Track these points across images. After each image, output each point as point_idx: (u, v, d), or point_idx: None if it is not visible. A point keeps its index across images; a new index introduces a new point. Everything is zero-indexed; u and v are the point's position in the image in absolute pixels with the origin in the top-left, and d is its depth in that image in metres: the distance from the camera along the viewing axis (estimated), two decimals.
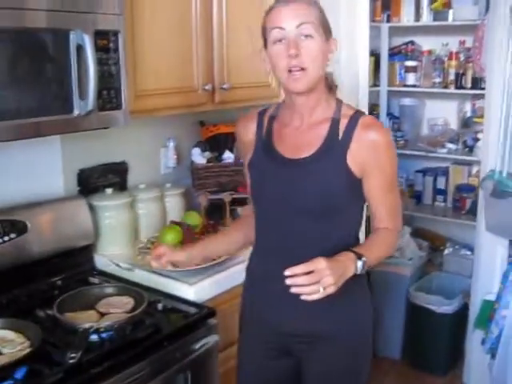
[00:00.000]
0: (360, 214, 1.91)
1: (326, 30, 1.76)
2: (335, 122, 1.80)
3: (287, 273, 1.55)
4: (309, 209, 1.78)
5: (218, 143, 3.10)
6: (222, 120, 3.19)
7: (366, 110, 3.14)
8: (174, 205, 2.86)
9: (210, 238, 2.25)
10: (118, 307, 2.05)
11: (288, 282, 1.55)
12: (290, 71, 1.71)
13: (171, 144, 2.98)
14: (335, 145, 1.77)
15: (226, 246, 2.16)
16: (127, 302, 2.08)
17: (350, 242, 1.82)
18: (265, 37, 1.78)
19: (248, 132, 1.95)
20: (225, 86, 2.72)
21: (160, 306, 2.13)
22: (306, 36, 1.69)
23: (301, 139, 1.82)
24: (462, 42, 4.21)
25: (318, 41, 1.71)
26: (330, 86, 1.88)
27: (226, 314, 2.26)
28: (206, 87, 2.64)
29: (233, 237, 2.13)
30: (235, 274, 2.33)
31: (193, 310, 2.15)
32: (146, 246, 2.55)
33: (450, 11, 4.14)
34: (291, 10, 1.70)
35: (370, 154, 1.76)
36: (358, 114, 1.82)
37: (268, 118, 1.93)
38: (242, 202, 2.91)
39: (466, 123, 4.39)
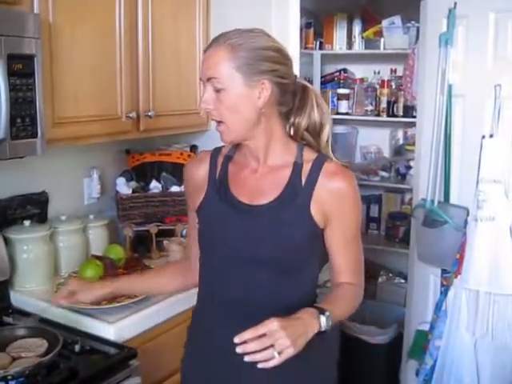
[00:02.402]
0: (319, 268, 1.77)
1: (251, 74, 1.55)
2: (297, 167, 1.65)
3: (236, 340, 1.40)
4: (267, 261, 1.62)
5: (144, 172, 3.00)
6: (150, 148, 3.10)
7: None
8: (97, 237, 2.73)
9: (133, 278, 2.07)
10: (31, 350, 1.90)
11: (238, 350, 1.40)
12: (218, 122, 1.61)
13: (95, 173, 2.86)
14: (298, 192, 1.63)
15: (147, 289, 2.07)
16: (41, 344, 1.93)
17: (309, 297, 1.70)
18: None
19: (199, 173, 1.77)
20: (150, 114, 2.63)
21: (77, 348, 1.99)
22: (218, 90, 1.55)
23: (260, 183, 1.68)
24: (394, 71, 4.24)
25: (233, 91, 1.55)
26: (291, 131, 1.73)
27: (148, 353, 2.15)
28: (131, 115, 2.55)
29: (160, 282, 1.98)
30: (158, 312, 2.23)
31: (113, 350, 2.01)
32: (65, 282, 2.40)
33: (382, 40, 4.17)
34: (207, 59, 1.58)
35: (333, 203, 1.62)
36: (321, 158, 1.67)
37: (223, 158, 1.76)
38: (169, 234, 2.81)
39: (398, 151, 4.41)
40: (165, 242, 2.76)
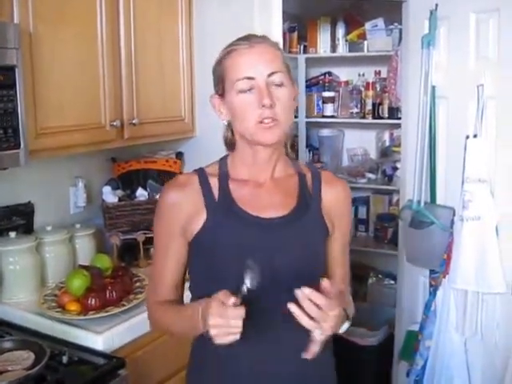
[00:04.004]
0: None
1: (291, 75, 1.58)
2: (302, 177, 1.68)
3: (299, 292, 1.38)
4: (293, 275, 1.53)
5: (130, 180, 2.99)
6: (136, 156, 3.08)
7: None
8: (84, 246, 2.72)
9: None
10: (18, 363, 1.88)
11: (291, 307, 1.38)
12: (260, 122, 1.50)
13: (81, 182, 2.85)
14: (309, 200, 1.64)
15: None
16: (27, 356, 1.92)
17: None
18: (222, 84, 1.56)
19: (188, 198, 1.60)
20: (134, 122, 2.62)
21: (65, 359, 1.98)
22: (278, 85, 1.51)
23: (271, 197, 1.61)
24: (378, 73, 4.25)
25: (289, 88, 1.54)
26: None
27: (137, 363, 2.13)
28: (115, 123, 2.53)
29: None
30: (147, 320, 2.20)
31: (101, 360, 2.00)
32: (52, 293, 2.39)
33: (365, 42, 4.18)
34: (259, 56, 1.51)
35: (336, 209, 1.68)
36: (313, 167, 1.75)
37: (219, 177, 1.63)
38: None
39: (384, 152, 4.43)
40: (152, 249, 2.74)
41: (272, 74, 1.50)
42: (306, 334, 1.43)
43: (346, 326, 1.51)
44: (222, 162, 1.68)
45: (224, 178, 1.64)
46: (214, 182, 1.63)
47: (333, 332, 1.44)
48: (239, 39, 1.56)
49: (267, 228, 1.58)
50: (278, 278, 1.53)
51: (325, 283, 1.42)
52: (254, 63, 1.50)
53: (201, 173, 1.65)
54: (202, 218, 1.58)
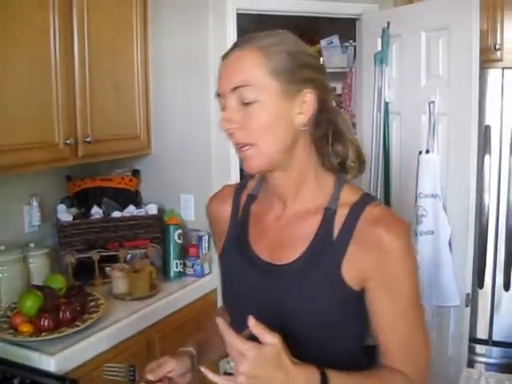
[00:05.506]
0: (363, 327, 1.32)
1: (290, 82, 1.22)
2: (329, 214, 1.28)
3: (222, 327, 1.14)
4: (295, 333, 1.22)
5: (86, 198, 2.96)
6: (91, 173, 3.06)
7: (237, 165, 2.95)
8: (38, 266, 2.65)
9: (206, 338, 1.54)
10: None
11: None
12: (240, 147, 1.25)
13: (35, 201, 2.81)
14: (327, 247, 1.26)
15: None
16: None
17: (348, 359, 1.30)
18: None
19: (221, 215, 1.46)
20: (88, 139, 2.60)
21: (16, 382, 1.94)
22: (248, 102, 1.20)
23: (283, 235, 1.33)
24: (333, 89, 4.29)
25: (269, 103, 1.20)
26: (330, 161, 1.35)
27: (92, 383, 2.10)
28: (68, 141, 2.50)
29: None
30: (99, 341, 2.19)
31: (54, 382, 1.96)
32: (5, 314, 2.34)
33: (321, 59, 4.22)
34: (230, 64, 1.23)
35: (374, 261, 1.22)
36: (363, 200, 1.29)
37: (246, 198, 1.44)
38: (112, 260, 2.77)
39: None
40: (107, 268, 2.72)
41: (235, 88, 1.21)
42: None
43: None
44: (263, 178, 1.42)
45: (250, 198, 1.44)
46: (243, 201, 1.45)
47: None
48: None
49: (267, 274, 1.32)
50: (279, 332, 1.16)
51: (250, 320, 1.12)
52: (222, 77, 1.24)
53: (240, 187, 1.49)
54: (222, 241, 1.45)
